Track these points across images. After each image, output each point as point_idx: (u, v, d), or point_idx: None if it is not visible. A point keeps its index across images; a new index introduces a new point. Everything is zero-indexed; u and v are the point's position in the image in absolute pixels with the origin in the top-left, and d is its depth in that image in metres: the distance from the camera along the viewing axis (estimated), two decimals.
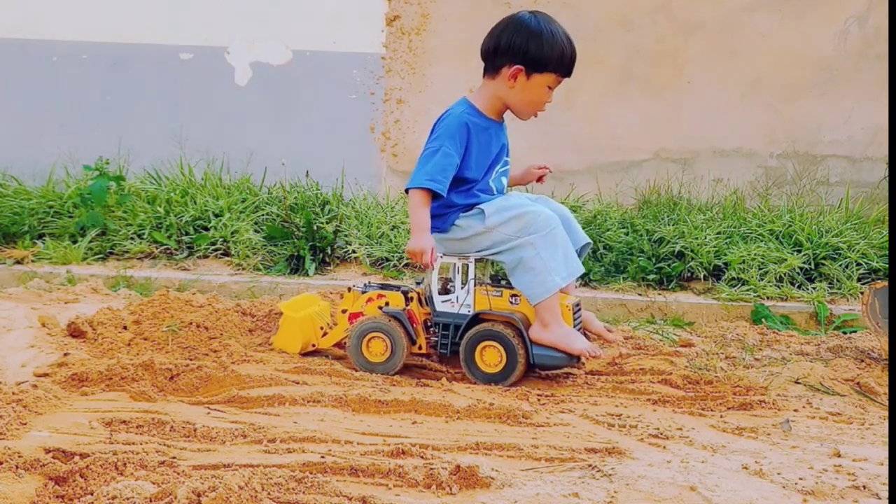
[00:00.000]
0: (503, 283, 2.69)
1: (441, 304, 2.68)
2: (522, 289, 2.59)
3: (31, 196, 4.47)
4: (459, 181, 2.66)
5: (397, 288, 2.77)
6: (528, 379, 2.64)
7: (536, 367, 2.62)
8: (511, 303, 2.64)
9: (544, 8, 4.95)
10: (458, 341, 2.62)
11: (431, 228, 2.64)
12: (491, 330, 2.58)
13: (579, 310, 2.74)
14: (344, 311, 2.80)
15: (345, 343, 2.76)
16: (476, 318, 2.62)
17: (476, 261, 2.66)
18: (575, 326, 2.64)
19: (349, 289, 2.80)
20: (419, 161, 2.65)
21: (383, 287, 2.79)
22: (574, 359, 2.57)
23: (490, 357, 2.58)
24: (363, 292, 2.77)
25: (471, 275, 2.65)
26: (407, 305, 2.70)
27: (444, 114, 2.71)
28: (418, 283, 2.80)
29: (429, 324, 2.71)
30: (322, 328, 2.88)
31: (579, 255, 2.74)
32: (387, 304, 2.72)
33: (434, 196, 2.61)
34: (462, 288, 2.66)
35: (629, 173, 4.86)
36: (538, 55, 2.60)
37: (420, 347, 2.71)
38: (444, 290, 2.70)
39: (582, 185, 4.77)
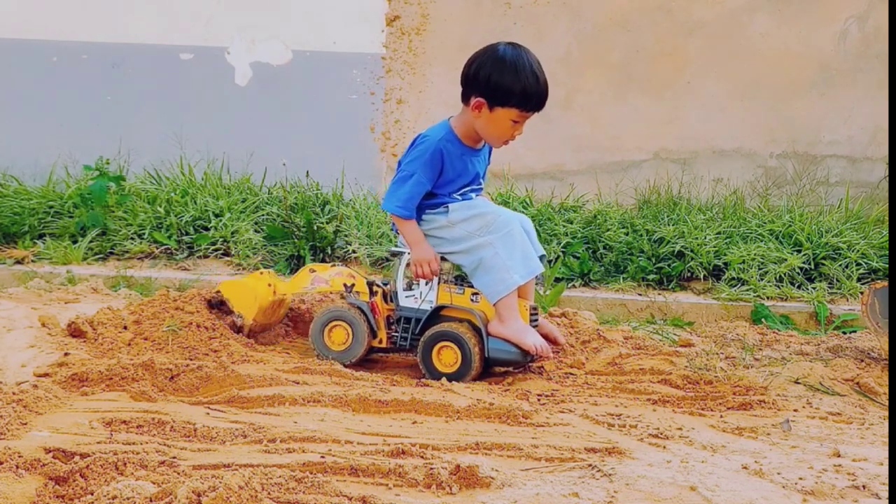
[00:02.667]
0: (466, 282, 2.74)
1: (405, 300, 2.73)
2: (483, 288, 2.65)
3: (31, 196, 4.47)
4: (431, 195, 2.74)
5: (367, 281, 2.81)
6: (529, 379, 2.64)
7: (491, 362, 2.65)
8: (472, 301, 2.69)
9: (544, 8, 4.97)
10: (417, 335, 2.68)
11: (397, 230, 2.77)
12: (447, 331, 2.63)
13: (536, 314, 2.78)
14: (312, 271, 2.87)
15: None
16: (437, 312, 2.68)
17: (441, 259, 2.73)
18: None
19: (333, 264, 2.91)
20: (393, 182, 2.75)
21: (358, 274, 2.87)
22: (527, 356, 2.62)
23: (446, 357, 2.63)
24: (341, 266, 2.87)
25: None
26: (371, 297, 2.75)
27: (424, 134, 2.75)
28: (385, 284, 2.84)
29: (391, 320, 2.76)
30: (270, 285, 2.93)
31: None
32: (352, 286, 2.78)
33: None
34: (426, 284, 2.71)
35: (629, 173, 4.86)
36: (500, 89, 2.58)
37: (381, 342, 2.76)
38: (409, 287, 2.75)
39: (582, 185, 4.77)
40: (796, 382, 2.56)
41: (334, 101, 4.99)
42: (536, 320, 2.77)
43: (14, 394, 2.16)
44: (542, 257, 2.80)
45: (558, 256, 3.95)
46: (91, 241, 4.14)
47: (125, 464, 1.71)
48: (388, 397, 2.30)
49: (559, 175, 4.93)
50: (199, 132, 4.87)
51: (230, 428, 2.03)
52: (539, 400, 2.40)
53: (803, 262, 3.79)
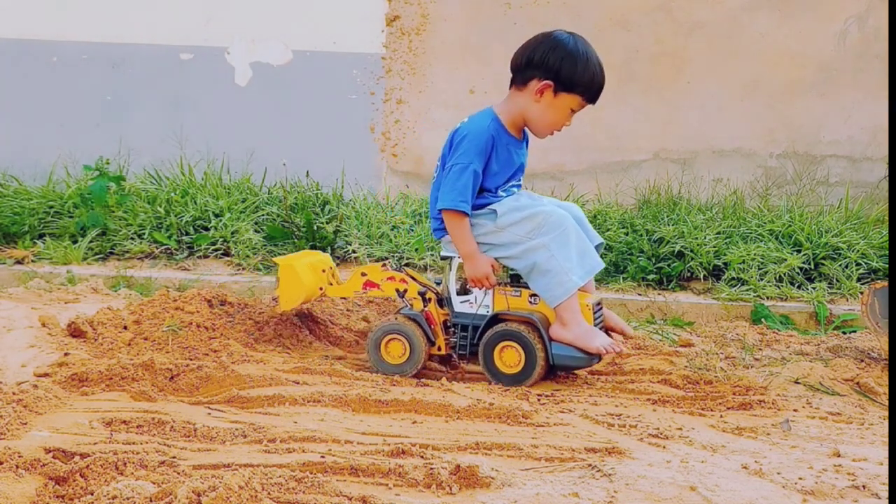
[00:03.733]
0: (522, 282, 2.65)
1: (459, 305, 2.65)
2: (540, 292, 2.57)
3: (31, 196, 4.47)
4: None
5: (419, 291, 2.72)
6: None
7: (556, 367, 2.59)
8: (530, 303, 2.61)
9: (544, 8, 4.96)
10: (476, 343, 2.60)
11: (444, 229, 2.66)
12: (509, 329, 2.55)
13: (600, 309, 2.71)
14: (363, 275, 2.77)
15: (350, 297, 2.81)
16: (495, 319, 2.60)
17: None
18: (596, 325, 2.61)
19: (383, 265, 2.78)
20: (446, 178, 2.63)
21: (411, 277, 2.75)
22: (594, 358, 2.54)
23: (509, 357, 2.56)
24: (394, 269, 2.75)
25: None
26: (425, 306, 2.67)
27: (467, 124, 2.67)
28: (437, 283, 2.77)
29: (448, 325, 2.68)
30: (325, 271, 2.83)
31: None
32: (405, 291, 2.70)
33: None
34: (480, 288, 2.63)
35: (629, 173, 4.86)
36: (570, 75, 2.58)
37: (439, 349, 2.67)
38: (463, 291, 2.67)
39: (582, 185, 4.77)
40: (796, 382, 2.56)
41: (334, 101, 4.99)
42: (601, 316, 2.70)
43: (14, 394, 2.17)
44: (598, 246, 2.72)
45: None
46: (91, 241, 4.14)
47: (125, 464, 1.71)
48: (388, 397, 2.30)
49: (559, 175, 4.92)
50: (199, 132, 4.87)
51: (230, 428, 2.03)
52: (539, 400, 2.40)
53: (803, 262, 3.79)
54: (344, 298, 3.07)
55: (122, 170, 4.70)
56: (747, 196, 4.68)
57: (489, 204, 2.66)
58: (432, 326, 2.66)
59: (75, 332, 2.83)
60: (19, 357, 2.62)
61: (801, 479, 1.80)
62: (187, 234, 4.20)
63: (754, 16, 4.83)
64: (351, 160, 4.82)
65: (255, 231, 4.17)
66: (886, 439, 2.08)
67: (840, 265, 3.79)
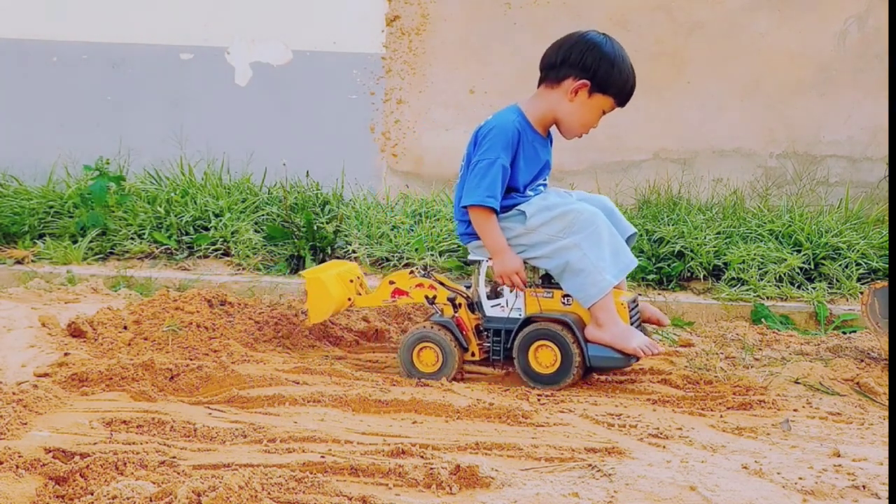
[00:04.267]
0: (554, 283, 2.60)
1: (491, 309, 2.61)
2: (573, 292, 2.53)
3: (31, 196, 4.47)
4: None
5: (449, 297, 2.66)
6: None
7: (593, 369, 2.55)
8: (563, 304, 2.56)
9: (544, 8, 4.96)
10: (510, 346, 2.56)
11: (473, 233, 2.63)
12: (544, 329, 2.51)
13: (636, 306, 2.67)
14: (391, 283, 2.72)
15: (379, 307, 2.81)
16: (527, 322, 2.55)
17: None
18: (632, 323, 2.57)
19: (410, 271, 2.72)
20: (472, 175, 2.59)
21: (439, 282, 2.69)
22: (631, 358, 2.50)
23: (544, 357, 2.51)
24: (422, 275, 2.70)
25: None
26: (455, 312, 2.62)
27: (492, 120, 2.64)
28: (467, 287, 2.73)
29: (481, 329, 2.64)
30: (352, 280, 2.80)
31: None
32: (434, 297, 2.65)
33: None
34: (511, 291, 2.59)
35: (629, 173, 4.86)
36: (606, 77, 2.57)
37: (473, 354, 2.63)
38: (494, 295, 2.62)
39: (582, 185, 4.77)
40: (796, 382, 2.56)
41: (334, 101, 4.99)
42: (637, 314, 2.65)
43: (14, 394, 2.17)
44: (632, 236, 2.69)
45: None
46: (91, 241, 4.14)
47: (125, 464, 1.71)
48: (388, 397, 2.30)
49: (559, 175, 4.92)
50: (199, 132, 4.87)
51: (230, 428, 2.03)
52: (539, 400, 2.40)
53: (803, 262, 3.79)
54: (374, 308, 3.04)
55: (122, 170, 4.70)
56: (747, 196, 4.68)
57: (517, 204, 2.62)
58: (464, 332, 2.61)
59: (75, 332, 2.83)
60: (19, 357, 2.62)
61: (801, 479, 1.80)
62: (187, 234, 4.20)
63: (754, 16, 4.83)
64: (351, 160, 4.82)
65: (255, 231, 4.17)
66: (886, 439, 2.08)
67: (840, 265, 3.79)
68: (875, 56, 4.79)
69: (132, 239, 4.16)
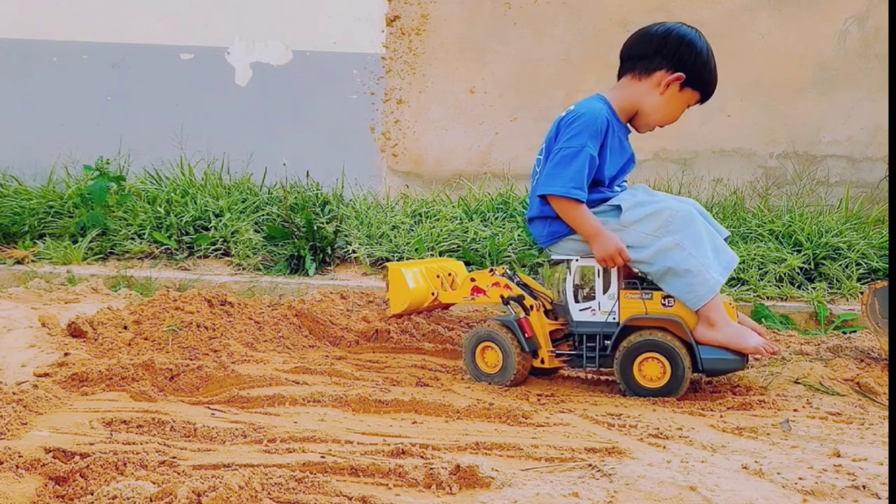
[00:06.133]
0: (646, 283, 2.45)
1: (579, 314, 2.44)
2: (679, 294, 2.37)
3: (31, 196, 4.48)
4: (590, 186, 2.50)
5: (529, 294, 2.54)
6: (528, 378, 2.64)
7: (705, 373, 2.41)
8: (663, 305, 2.40)
9: (544, 8, 4.97)
10: (608, 353, 2.41)
11: (555, 232, 2.51)
12: (647, 339, 2.35)
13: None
14: (472, 280, 2.61)
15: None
16: (627, 328, 2.39)
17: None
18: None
19: (491, 270, 2.61)
20: (554, 163, 2.46)
21: (521, 285, 2.57)
22: (745, 359, 2.38)
23: (650, 370, 2.36)
24: (505, 275, 2.58)
25: (614, 277, 2.43)
26: (527, 313, 2.49)
27: (579, 108, 2.52)
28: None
29: (560, 336, 2.52)
30: (439, 276, 2.75)
31: None
32: (509, 298, 2.52)
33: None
34: (604, 293, 2.43)
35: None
36: (700, 72, 2.52)
37: (543, 361, 2.49)
38: (583, 297, 2.47)
39: None
40: (796, 382, 2.56)
41: (334, 101, 4.99)
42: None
43: (14, 394, 2.17)
44: (725, 239, 2.55)
45: None
46: (91, 241, 4.14)
47: (125, 464, 1.71)
48: (388, 397, 2.30)
49: None
50: (199, 132, 4.88)
51: (230, 428, 2.03)
52: (539, 400, 2.40)
53: (803, 262, 3.79)
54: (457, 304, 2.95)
55: (123, 170, 4.70)
56: (747, 196, 4.68)
57: (605, 199, 2.51)
58: (527, 335, 2.46)
59: (75, 332, 2.83)
60: (19, 357, 2.62)
61: (801, 479, 1.80)
62: (187, 234, 4.20)
63: (754, 16, 4.84)
64: (351, 160, 4.83)
65: (255, 231, 4.17)
66: (886, 439, 2.08)
67: (840, 265, 3.79)
68: (875, 56, 4.79)
69: (132, 239, 4.16)
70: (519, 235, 4.00)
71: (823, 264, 3.82)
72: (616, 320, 2.41)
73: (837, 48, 4.81)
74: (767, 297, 3.61)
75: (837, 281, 3.74)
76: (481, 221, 4.19)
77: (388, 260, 3.98)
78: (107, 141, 4.85)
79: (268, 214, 4.29)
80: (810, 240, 3.90)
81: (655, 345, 2.35)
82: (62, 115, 5.02)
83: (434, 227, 4.10)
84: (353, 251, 4.02)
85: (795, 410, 2.34)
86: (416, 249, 3.95)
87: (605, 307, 2.42)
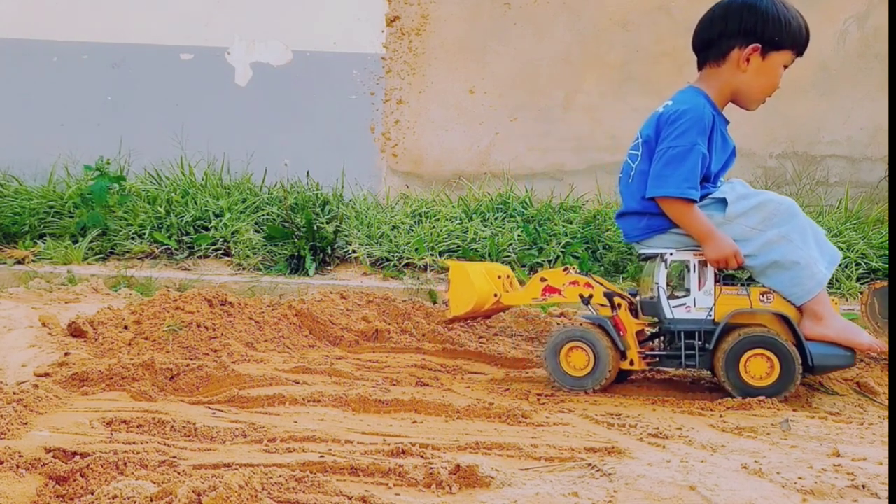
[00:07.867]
0: (740, 279, 2.39)
1: (673, 311, 2.35)
2: (784, 288, 2.30)
3: (31, 196, 4.48)
4: None
5: (606, 292, 2.46)
6: (528, 378, 2.64)
7: (813, 370, 2.32)
8: (762, 301, 2.32)
9: (544, 8, 4.97)
10: (709, 351, 2.32)
11: (653, 226, 2.43)
12: (754, 335, 2.27)
13: None
14: (543, 280, 2.50)
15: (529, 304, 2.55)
16: (728, 328, 2.30)
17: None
18: None
19: (565, 268, 2.51)
20: (668, 160, 2.39)
21: (597, 282, 2.49)
22: (856, 355, 2.30)
23: (756, 368, 2.27)
24: (576, 273, 2.49)
25: (710, 273, 2.35)
26: (614, 312, 2.40)
27: (681, 104, 2.47)
28: (633, 293, 2.51)
29: (647, 335, 2.46)
30: (500, 277, 2.64)
31: None
32: (590, 297, 2.43)
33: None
34: (700, 289, 2.35)
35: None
36: (775, 33, 2.39)
37: (632, 363, 2.40)
38: (679, 294, 2.40)
39: (582, 185, 4.78)
40: None
41: (334, 102, 4.99)
42: None
43: (14, 393, 2.17)
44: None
45: (558, 256, 3.95)
46: (91, 241, 4.14)
47: (125, 463, 1.71)
48: (388, 397, 2.31)
49: (559, 175, 4.93)
50: (199, 132, 4.88)
51: (230, 427, 2.03)
52: (539, 400, 2.40)
53: None
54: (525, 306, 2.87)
55: (123, 170, 4.71)
56: None
57: (708, 194, 2.43)
58: (622, 335, 2.38)
59: (76, 331, 2.84)
60: (20, 357, 2.62)
61: (800, 478, 1.80)
62: (187, 234, 4.20)
63: None
64: (351, 160, 4.83)
65: (256, 231, 4.17)
66: (886, 439, 2.08)
67: (840, 265, 3.79)
68: (875, 56, 4.79)
69: (132, 239, 4.16)
70: (518, 235, 4.00)
71: None
72: (712, 317, 2.33)
73: (837, 48, 4.81)
74: None
75: (837, 281, 3.74)
76: (481, 221, 4.19)
77: (387, 259, 3.98)
78: (107, 141, 4.85)
79: (268, 214, 4.29)
80: None
81: (764, 341, 2.26)
82: (62, 115, 5.02)
83: (434, 227, 4.11)
84: (353, 251, 4.02)
85: (795, 410, 2.34)
86: (416, 249, 3.95)
87: (700, 304, 2.35)
